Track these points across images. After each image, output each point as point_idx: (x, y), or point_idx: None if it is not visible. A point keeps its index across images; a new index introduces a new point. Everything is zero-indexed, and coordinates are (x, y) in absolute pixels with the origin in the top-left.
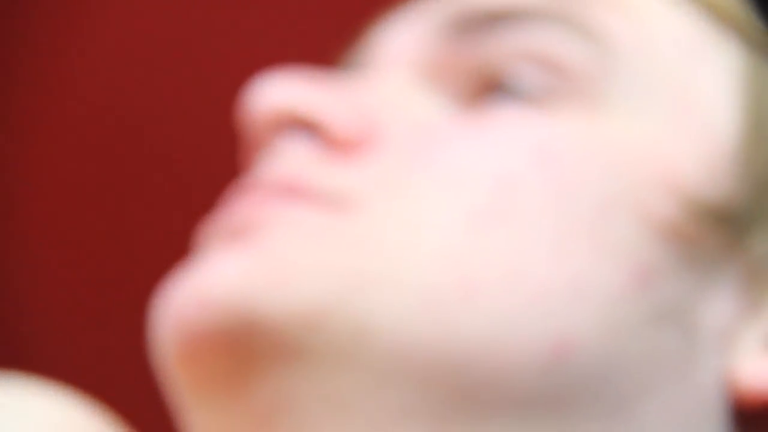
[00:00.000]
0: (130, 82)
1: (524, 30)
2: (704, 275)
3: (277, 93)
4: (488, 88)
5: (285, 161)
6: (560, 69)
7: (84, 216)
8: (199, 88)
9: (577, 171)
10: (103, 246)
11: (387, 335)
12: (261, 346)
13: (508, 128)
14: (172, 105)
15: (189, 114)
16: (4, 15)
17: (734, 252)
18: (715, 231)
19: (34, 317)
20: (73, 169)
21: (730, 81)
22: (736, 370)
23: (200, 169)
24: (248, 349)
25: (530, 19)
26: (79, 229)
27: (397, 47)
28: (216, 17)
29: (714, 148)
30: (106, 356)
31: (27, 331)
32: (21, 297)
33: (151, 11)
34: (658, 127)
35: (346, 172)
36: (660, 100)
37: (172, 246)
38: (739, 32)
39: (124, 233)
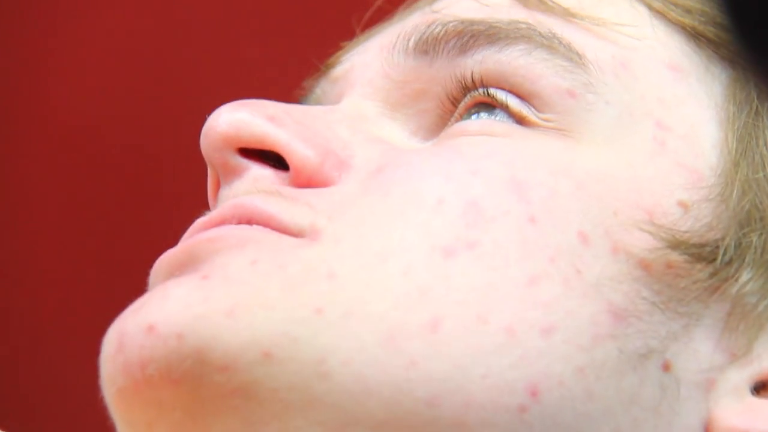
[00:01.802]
0: (129, 86)
1: (500, 53)
2: (682, 316)
3: (233, 114)
4: (459, 114)
5: (241, 188)
6: (536, 95)
7: (82, 220)
8: (198, 92)
9: (550, 201)
10: (101, 250)
11: (349, 370)
12: (213, 380)
13: (478, 156)
14: (171, 109)
15: (186, 117)
16: (4, 16)
17: (714, 292)
18: (693, 269)
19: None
20: (72, 172)
21: (712, 112)
22: (717, 414)
23: (202, 173)
24: (199, 383)
25: (507, 40)
26: (77, 232)
27: (365, 71)
28: (213, 22)
29: (694, 181)
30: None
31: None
32: (21, 298)
33: (149, 16)
34: (637, 157)
35: (307, 199)
36: (639, 130)
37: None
38: (727, 57)
39: (121, 237)
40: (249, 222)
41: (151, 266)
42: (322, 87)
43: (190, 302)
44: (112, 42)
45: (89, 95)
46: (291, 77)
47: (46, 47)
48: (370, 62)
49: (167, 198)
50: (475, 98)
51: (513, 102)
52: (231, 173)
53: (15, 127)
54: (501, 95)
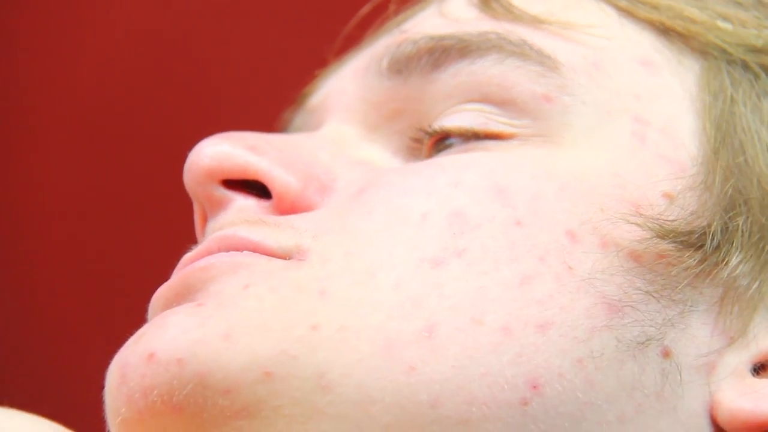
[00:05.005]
0: (131, 81)
1: (473, 64)
2: (677, 303)
3: (214, 147)
4: (439, 132)
5: (227, 219)
6: (512, 102)
7: (84, 215)
8: (199, 87)
9: (535, 204)
10: (104, 246)
11: (350, 381)
12: (216, 404)
13: (459, 169)
14: (172, 104)
15: (187, 113)
16: (4, 15)
17: (706, 278)
18: (683, 257)
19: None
20: (73, 169)
21: (688, 103)
22: (720, 397)
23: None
24: (202, 407)
25: (479, 52)
26: (79, 229)
27: (341, 96)
28: (214, 18)
29: (676, 171)
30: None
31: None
32: (24, 299)
33: (151, 12)
34: (618, 153)
35: (290, 223)
36: (618, 126)
37: (172, 246)
38: (698, 48)
39: (123, 234)
40: (237, 251)
41: (164, 252)
42: (301, 117)
43: (187, 328)
44: (129, 24)
45: (105, 80)
46: (298, 68)
47: (63, 29)
48: (345, 87)
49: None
50: (445, 127)
51: (488, 121)
52: (216, 206)
53: (31, 110)
54: (473, 115)
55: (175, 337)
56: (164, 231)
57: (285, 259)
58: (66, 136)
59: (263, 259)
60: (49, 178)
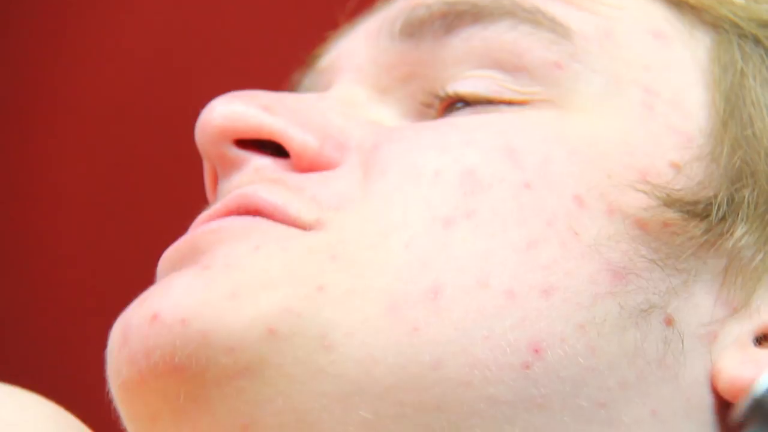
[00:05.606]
0: (136, 83)
1: (486, 30)
2: (681, 272)
3: (227, 106)
4: (452, 96)
5: (243, 180)
6: (523, 69)
7: (89, 215)
8: (203, 89)
9: (544, 167)
10: (107, 246)
11: (353, 340)
12: (219, 363)
13: (472, 127)
14: (176, 106)
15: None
16: (8, 16)
17: (710, 248)
18: (688, 226)
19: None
20: (77, 170)
21: (698, 75)
22: (721, 365)
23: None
24: (204, 367)
25: (492, 17)
26: (84, 228)
27: (353, 58)
28: (218, 20)
29: (684, 142)
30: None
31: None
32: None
33: (157, 15)
34: (627, 122)
35: (312, 192)
36: (627, 96)
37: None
38: (709, 21)
39: (127, 233)
40: (255, 213)
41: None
42: (310, 78)
43: (192, 290)
44: (145, 24)
45: (121, 77)
46: (310, 31)
47: (78, 30)
48: (356, 49)
49: (197, 181)
50: (456, 92)
51: (498, 85)
52: (229, 166)
53: (45, 111)
54: (484, 80)
55: (179, 299)
56: (171, 218)
57: (304, 229)
58: (73, 128)
59: (281, 227)
60: (60, 165)
